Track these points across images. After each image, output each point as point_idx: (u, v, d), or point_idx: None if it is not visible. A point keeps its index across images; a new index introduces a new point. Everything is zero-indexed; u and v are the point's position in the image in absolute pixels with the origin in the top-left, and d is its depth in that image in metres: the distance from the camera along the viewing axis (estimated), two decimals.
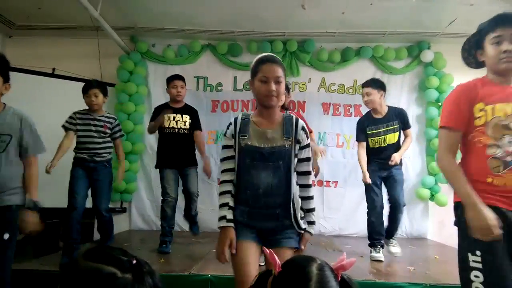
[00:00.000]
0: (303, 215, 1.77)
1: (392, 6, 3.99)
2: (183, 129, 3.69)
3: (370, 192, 3.49)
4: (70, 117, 3.33)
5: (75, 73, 4.75)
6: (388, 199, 3.53)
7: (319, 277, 0.92)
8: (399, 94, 5.09)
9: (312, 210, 1.79)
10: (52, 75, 4.65)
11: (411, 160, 4.96)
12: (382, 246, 3.45)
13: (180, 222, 4.59)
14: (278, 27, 4.80)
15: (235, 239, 1.66)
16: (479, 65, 1.70)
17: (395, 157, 3.34)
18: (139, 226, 4.94)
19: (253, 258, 1.66)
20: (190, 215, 3.87)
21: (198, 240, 4.13)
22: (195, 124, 3.76)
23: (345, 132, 5.03)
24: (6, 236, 1.96)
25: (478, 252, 1.46)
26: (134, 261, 0.79)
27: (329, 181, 4.99)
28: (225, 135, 1.79)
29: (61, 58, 4.97)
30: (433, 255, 4.00)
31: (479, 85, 1.59)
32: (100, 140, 3.36)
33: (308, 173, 1.76)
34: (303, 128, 1.73)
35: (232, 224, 1.67)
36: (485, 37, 1.61)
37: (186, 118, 3.73)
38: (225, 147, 1.76)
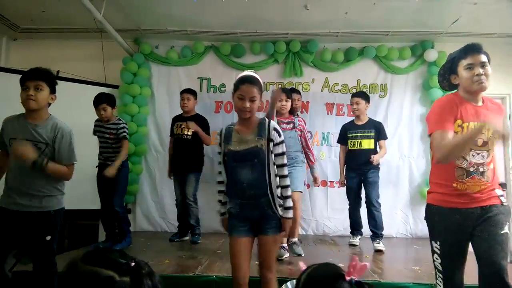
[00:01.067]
0: (281, 203, 2.07)
1: (395, 5, 3.98)
2: (187, 135, 4.11)
3: (350, 194, 4.15)
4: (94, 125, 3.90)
5: (79, 75, 4.78)
6: (365, 199, 4.00)
7: None
8: (403, 94, 5.08)
9: (288, 197, 2.07)
10: (57, 77, 4.63)
11: (415, 160, 4.95)
12: (361, 234, 4.18)
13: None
14: (281, 27, 4.80)
15: (227, 224, 2.14)
16: (452, 87, 2.01)
17: (375, 157, 3.86)
18: (144, 227, 4.95)
19: (243, 251, 2.05)
20: (190, 224, 4.16)
21: (202, 241, 4.14)
22: (203, 130, 4.08)
23: None
24: (48, 237, 2.24)
25: (438, 242, 1.91)
26: (133, 264, 0.79)
27: (332, 182, 4.97)
28: (218, 144, 2.17)
29: (65, 60, 5.00)
30: None
31: (457, 102, 1.86)
32: (110, 146, 3.79)
33: (284, 165, 2.07)
34: (274, 129, 2.05)
35: (225, 216, 2.16)
36: (457, 64, 1.90)
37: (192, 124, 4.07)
38: (219, 153, 2.16)
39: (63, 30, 4.93)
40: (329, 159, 5.04)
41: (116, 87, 4.94)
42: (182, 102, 4.17)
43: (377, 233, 3.87)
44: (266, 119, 2.09)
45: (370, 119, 4.14)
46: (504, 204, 1.84)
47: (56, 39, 5.11)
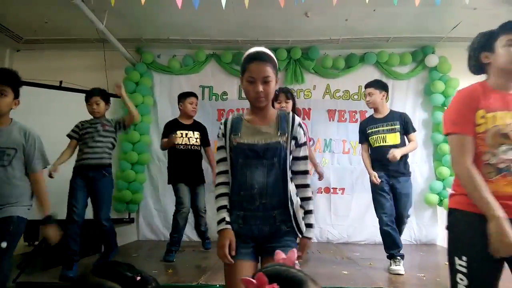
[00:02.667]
0: (303, 216, 1.66)
1: (395, 12, 4.00)
2: (195, 145, 3.87)
3: (379, 197, 3.35)
4: (75, 126, 3.39)
5: (82, 85, 4.79)
6: (395, 212, 3.40)
7: None
8: (405, 99, 5.08)
9: (311, 212, 1.67)
10: (59, 87, 4.69)
11: (418, 165, 4.93)
12: (402, 257, 3.22)
13: (189, 233, 4.62)
14: (282, 35, 4.82)
15: (234, 240, 1.58)
16: (478, 69, 1.70)
17: (394, 152, 3.19)
18: (147, 236, 4.95)
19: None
20: (200, 231, 4.05)
21: (205, 250, 4.13)
22: (205, 140, 3.97)
23: (351, 138, 4.99)
24: (4, 244, 2.00)
25: (464, 258, 1.51)
26: (139, 278, 0.80)
27: (336, 188, 4.97)
28: (218, 136, 1.72)
29: (68, 70, 5.04)
30: (443, 261, 3.92)
31: (480, 91, 1.59)
32: (100, 144, 3.29)
33: (306, 172, 1.67)
34: (299, 125, 1.65)
35: (230, 226, 1.60)
36: (496, 39, 1.62)
37: (197, 134, 3.89)
38: (218, 148, 1.70)
39: (66, 41, 4.97)
40: (332, 166, 5.04)
41: (118, 96, 4.95)
42: (191, 106, 3.88)
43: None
44: (288, 112, 1.70)
45: (391, 110, 3.58)
46: None
47: (59, 49, 5.16)
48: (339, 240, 4.87)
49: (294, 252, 0.89)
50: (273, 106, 3.32)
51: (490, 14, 4.11)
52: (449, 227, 1.63)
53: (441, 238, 4.79)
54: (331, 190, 4.97)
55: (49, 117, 4.15)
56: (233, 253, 1.57)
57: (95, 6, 3.69)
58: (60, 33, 4.79)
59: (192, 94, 3.96)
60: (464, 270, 1.50)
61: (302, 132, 1.65)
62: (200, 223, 3.96)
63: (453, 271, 1.55)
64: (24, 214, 2.13)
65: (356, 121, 5.01)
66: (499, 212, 1.41)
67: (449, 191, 1.79)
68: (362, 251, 4.25)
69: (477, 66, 1.69)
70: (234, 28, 4.63)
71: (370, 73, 5.15)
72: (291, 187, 1.64)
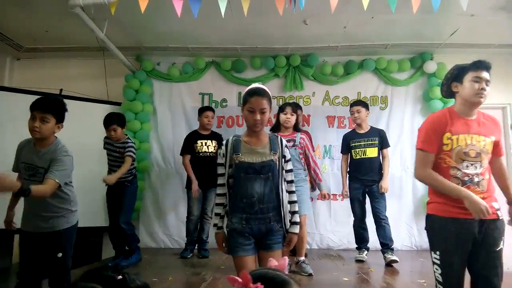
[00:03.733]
0: (290, 218, 2.05)
1: (393, 19, 4.03)
2: (213, 152, 4.32)
3: (354, 206, 4.06)
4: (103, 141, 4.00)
5: (82, 93, 4.83)
6: (372, 212, 3.94)
7: None
8: (403, 105, 5.10)
9: (297, 212, 2.07)
10: (60, 95, 4.71)
11: None
12: (367, 249, 4.06)
13: None
14: (281, 42, 4.85)
15: (225, 239, 2.03)
16: (449, 95, 2.09)
17: (383, 185, 3.87)
18: (148, 244, 4.92)
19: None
20: (201, 238, 4.28)
21: (201, 257, 4.14)
22: (219, 146, 4.20)
23: None
24: (60, 255, 2.34)
25: (437, 252, 1.92)
26: (119, 277, 0.85)
27: (335, 194, 4.96)
28: (219, 154, 2.10)
29: (68, 79, 5.07)
30: None
31: (448, 117, 1.96)
32: (118, 165, 3.83)
33: (292, 181, 2.08)
34: (286, 146, 2.08)
35: (220, 231, 2.04)
36: (466, 73, 1.97)
37: (214, 143, 4.37)
38: (219, 164, 2.07)
39: (66, 49, 5.00)
40: (332, 172, 5.04)
41: (118, 104, 4.98)
42: (206, 120, 4.34)
43: (387, 244, 3.82)
44: (276, 134, 2.11)
45: (372, 127, 4.14)
46: (500, 218, 1.90)
47: (59, 58, 5.19)
48: (340, 246, 4.85)
49: (286, 260, 1.02)
50: (279, 116, 3.51)
51: (487, 20, 4.15)
52: (427, 229, 2.04)
53: None
54: (331, 196, 4.95)
55: None
56: (225, 250, 2.03)
57: (95, 15, 3.71)
58: (60, 42, 4.83)
59: (207, 109, 4.46)
60: (438, 262, 1.92)
61: (287, 151, 2.07)
62: (204, 227, 4.27)
63: (432, 263, 1.96)
64: (68, 224, 2.39)
65: (355, 128, 5.02)
66: (466, 191, 1.83)
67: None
68: None
69: (448, 92, 2.08)
70: (233, 36, 4.66)
71: (369, 80, 5.18)
72: (285, 196, 2.03)
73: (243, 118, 2.09)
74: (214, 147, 4.34)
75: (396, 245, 4.66)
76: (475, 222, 1.83)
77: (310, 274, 3.30)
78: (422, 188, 4.91)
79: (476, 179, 1.89)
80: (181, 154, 4.38)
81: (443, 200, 1.92)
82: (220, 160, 2.06)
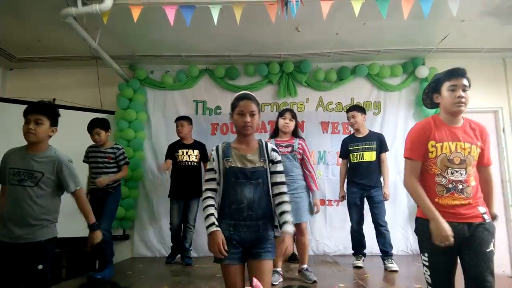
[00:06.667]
0: (280, 220, 1.98)
1: (385, 25, 4.07)
2: (194, 162, 4.34)
3: (351, 211, 4.02)
4: (85, 152, 3.93)
5: (76, 102, 4.81)
6: (372, 218, 3.91)
7: None
8: (397, 110, 5.14)
9: (289, 211, 1.98)
10: (53, 105, 4.69)
11: None
12: (364, 255, 4.03)
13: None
14: (274, 49, 4.88)
15: (225, 239, 1.87)
16: (433, 105, 2.13)
17: (386, 192, 3.89)
18: (142, 253, 4.89)
19: (240, 280, 1.91)
20: (184, 246, 4.29)
21: (201, 265, 4.11)
22: (204, 157, 4.36)
23: None
24: (40, 266, 2.28)
25: (426, 254, 1.97)
26: None
27: (331, 200, 4.97)
28: (208, 160, 2.07)
29: (61, 88, 5.06)
30: None
31: (432, 125, 2.01)
32: (105, 171, 3.78)
33: (283, 183, 2.02)
34: (272, 149, 2.05)
35: (219, 229, 1.89)
36: (442, 84, 2.02)
37: (196, 152, 4.36)
38: (209, 170, 2.02)
39: (59, 59, 4.99)
40: (326, 178, 5.05)
41: (112, 112, 4.97)
42: (177, 129, 4.38)
43: (387, 252, 3.81)
44: (262, 141, 2.08)
45: (370, 131, 4.12)
46: (487, 221, 1.91)
47: (52, 67, 5.17)
48: (336, 252, 4.84)
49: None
50: (277, 121, 3.56)
51: (477, 25, 4.21)
52: (416, 231, 2.09)
53: None
54: (326, 202, 4.96)
55: None
56: (224, 251, 1.85)
57: (87, 24, 3.71)
58: (53, 51, 4.82)
59: (179, 118, 4.48)
60: (427, 263, 1.97)
61: (275, 153, 2.04)
62: (186, 236, 4.27)
63: (422, 265, 2.00)
64: (49, 235, 2.36)
65: (349, 133, 5.01)
66: (436, 213, 1.88)
67: None
68: None
69: (431, 104, 2.13)
70: (226, 43, 4.68)
71: (362, 85, 5.22)
72: (273, 202, 1.99)
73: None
74: (196, 156, 4.35)
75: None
76: (463, 226, 1.87)
77: (315, 281, 3.29)
78: None
79: (460, 186, 1.92)
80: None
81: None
82: (209, 165, 2.03)
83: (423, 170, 2.01)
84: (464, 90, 1.96)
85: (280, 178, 2.01)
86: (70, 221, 3.19)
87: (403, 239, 4.88)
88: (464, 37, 4.49)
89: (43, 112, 2.36)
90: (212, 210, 1.93)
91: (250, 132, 2.01)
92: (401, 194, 4.95)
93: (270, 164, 2.01)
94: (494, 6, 3.79)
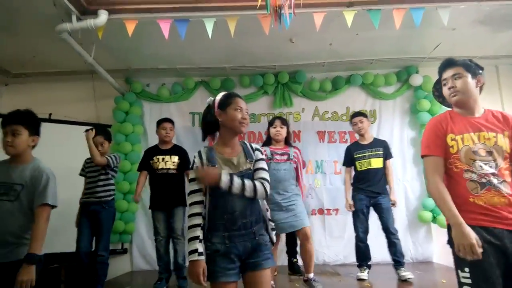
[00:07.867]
0: (272, 226, 1.93)
1: (377, 35, 4.11)
2: (172, 169, 3.84)
3: (356, 219, 3.88)
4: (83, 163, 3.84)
5: (72, 116, 4.81)
6: (381, 226, 3.83)
7: None
8: (392, 119, 5.16)
9: (270, 220, 1.94)
10: (49, 120, 4.69)
11: (409, 183, 4.97)
12: (369, 267, 3.85)
13: None
14: (268, 60, 4.91)
15: (206, 268, 1.71)
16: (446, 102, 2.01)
17: (394, 200, 3.87)
18: (141, 266, 4.85)
19: None
20: (177, 263, 3.70)
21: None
22: (185, 164, 3.86)
23: (342, 158, 4.99)
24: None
25: (466, 269, 1.60)
26: None
27: (329, 209, 4.96)
28: (191, 168, 1.87)
29: (57, 103, 5.05)
30: (440, 279, 3.92)
31: (448, 118, 1.85)
32: (97, 182, 3.66)
33: (265, 178, 1.87)
34: (256, 149, 1.94)
35: (203, 257, 1.72)
36: (440, 83, 1.97)
37: (175, 158, 3.88)
38: (192, 180, 1.81)
39: (54, 74, 5.00)
40: (324, 187, 5.04)
41: (108, 126, 4.95)
42: (164, 131, 3.91)
43: (400, 261, 3.74)
44: (245, 142, 1.97)
45: (375, 138, 4.10)
46: None
47: (47, 82, 5.17)
48: (336, 262, 4.82)
49: None
50: (269, 131, 3.54)
51: (468, 34, 4.26)
52: (450, 242, 1.69)
53: (437, 255, 4.78)
54: (325, 211, 4.96)
55: (39, 150, 4.09)
56: (204, 281, 1.70)
57: (82, 40, 3.73)
58: (49, 66, 4.83)
59: (164, 120, 4.01)
60: (469, 281, 1.59)
61: (258, 152, 1.92)
62: (176, 249, 3.72)
63: (459, 285, 1.64)
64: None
65: (346, 142, 5.06)
66: (460, 219, 1.61)
67: None
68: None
69: (444, 103, 2.04)
70: (221, 56, 4.71)
71: (357, 94, 5.25)
72: (263, 206, 1.89)
73: None
74: (174, 162, 3.84)
75: None
76: (505, 234, 1.60)
77: None
78: (414, 199, 4.94)
79: (495, 180, 1.66)
80: (137, 171, 4.03)
81: (463, 206, 1.67)
82: (192, 174, 1.81)
83: (447, 170, 1.77)
84: (454, 79, 1.84)
85: (264, 174, 1.86)
86: (69, 236, 3.19)
87: (403, 247, 4.84)
88: (456, 45, 4.55)
89: (19, 121, 2.18)
90: (197, 232, 1.74)
91: (244, 130, 1.91)
92: (399, 202, 4.92)
93: (255, 162, 1.89)
94: (484, 14, 3.84)
